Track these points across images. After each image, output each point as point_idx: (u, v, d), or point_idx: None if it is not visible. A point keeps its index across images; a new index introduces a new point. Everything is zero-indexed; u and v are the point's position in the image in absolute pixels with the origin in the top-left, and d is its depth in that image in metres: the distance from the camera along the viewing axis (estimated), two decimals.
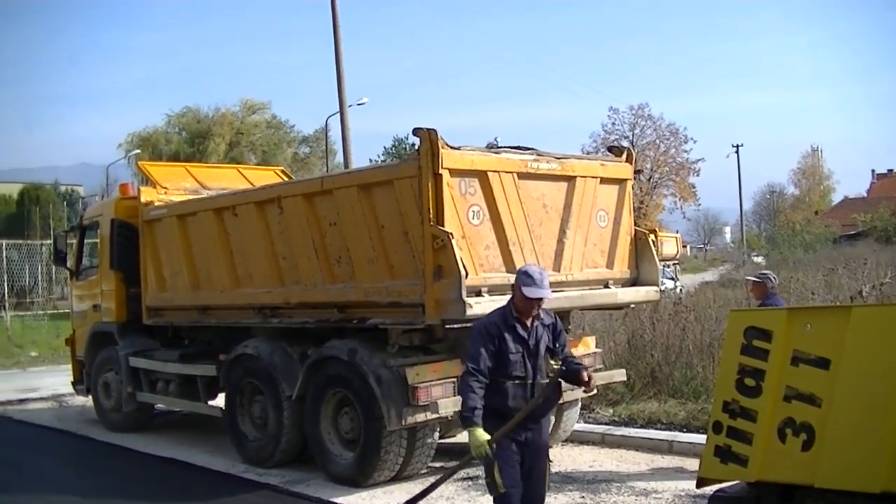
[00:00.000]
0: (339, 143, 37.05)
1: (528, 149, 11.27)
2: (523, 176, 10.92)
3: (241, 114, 65.54)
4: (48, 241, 41.81)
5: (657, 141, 68.91)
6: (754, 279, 11.87)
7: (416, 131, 10.28)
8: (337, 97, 34.86)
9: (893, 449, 6.61)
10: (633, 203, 12.73)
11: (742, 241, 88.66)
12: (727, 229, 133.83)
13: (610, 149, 12.96)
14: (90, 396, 16.83)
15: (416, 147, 10.34)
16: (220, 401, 13.84)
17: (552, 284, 11.03)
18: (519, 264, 10.64)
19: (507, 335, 7.66)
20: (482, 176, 10.51)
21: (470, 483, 11.49)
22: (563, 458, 12.60)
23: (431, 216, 10.05)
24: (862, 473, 6.71)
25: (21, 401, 20.50)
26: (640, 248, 12.21)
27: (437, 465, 11.99)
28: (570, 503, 10.54)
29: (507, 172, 10.74)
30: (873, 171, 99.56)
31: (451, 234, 9.95)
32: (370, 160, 56.40)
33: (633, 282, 12.08)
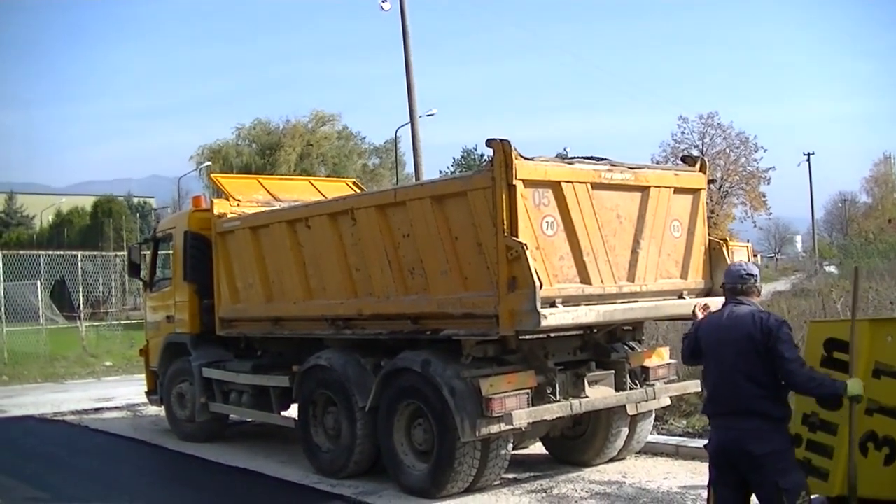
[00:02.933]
0: (409, 153, 37.16)
1: (602, 159, 11.21)
2: (597, 186, 10.85)
3: (311, 125, 66.02)
4: (121, 253, 42.38)
5: (727, 150, 68.11)
6: None
7: (489, 142, 10.25)
8: (407, 108, 34.91)
9: None
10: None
11: (814, 250, 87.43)
12: (798, 238, 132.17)
13: (683, 158, 12.85)
14: (163, 406, 16.97)
15: (490, 158, 10.29)
16: (292, 412, 13.89)
17: (626, 295, 11.07)
18: (593, 275, 10.68)
19: None
20: (556, 186, 10.45)
21: (544, 495, 11.47)
22: (637, 469, 12.57)
23: (505, 227, 10.00)
24: None
25: (96, 410, 20.85)
26: (715, 257, 12.06)
27: (510, 476, 11.97)
28: None
29: (580, 183, 10.66)
30: None
31: (526, 244, 9.88)
32: (440, 171, 56.90)
33: (708, 292, 11.91)
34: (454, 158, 68.26)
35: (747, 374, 6.83)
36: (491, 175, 10.17)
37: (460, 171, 54.90)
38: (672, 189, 11.68)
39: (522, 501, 11.21)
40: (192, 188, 72.51)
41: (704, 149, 66.49)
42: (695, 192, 12.05)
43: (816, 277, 50.08)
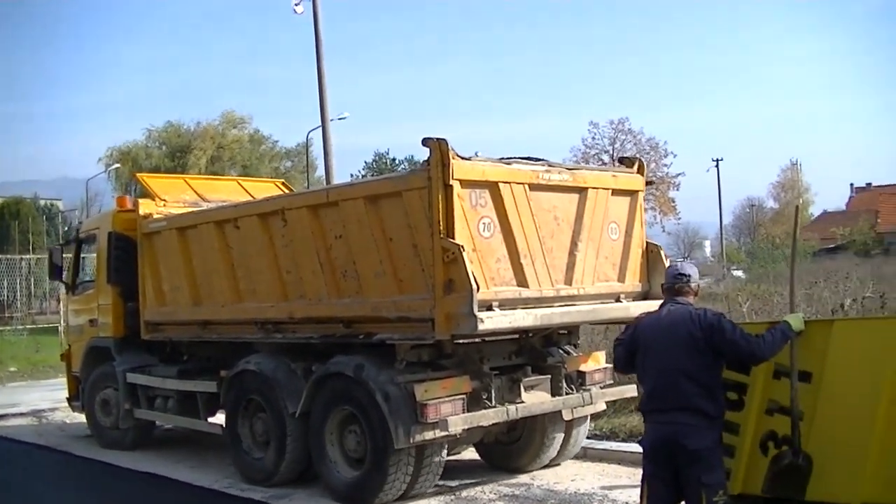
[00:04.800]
0: (321, 157, 36.44)
1: (539, 159, 10.89)
2: (535, 187, 10.52)
3: (222, 128, 65.31)
4: (27, 256, 41.47)
5: (637, 155, 68.56)
6: None
7: (425, 141, 9.86)
8: (319, 112, 34.19)
9: (875, 461, 6.67)
10: None
11: (722, 255, 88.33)
12: (707, 243, 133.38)
13: (621, 160, 12.64)
14: (85, 413, 16.32)
15: (426, 158, 9.90)
16: (220, 418, 13.44)
17: (563, 299, 10.80)
18: (530, 278, 10.39)
19: None
20: (493, 187, 10.12)
21: (452, 497, 11.34)
22: (545, 472, 12.40)
23: (442, 228, 9.65)
24: (844, 486, 6.80)
25: (0, 416, 20.03)
26: (652, 261, 11.80)
27: (443, 482, 11.65)
28: None
29: (518, 183, 10.34)
30: (852, 184, 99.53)
31: (462, 246, 9.55)
32: (351, 175, 56.07)
33: (645, 295, 11.66)
34: (366, 162, 67.69)
35: (687, 372, 6.96)
36: (427, 175, 9.81)
37: (372, 175, 54.44)
38: (610, 191, 11.40)
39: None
40: (102, 190, 71.50)
41: (615, 154, 66.81)
42: (633, 193, 11.80)
43: (724, 281, 50.62)
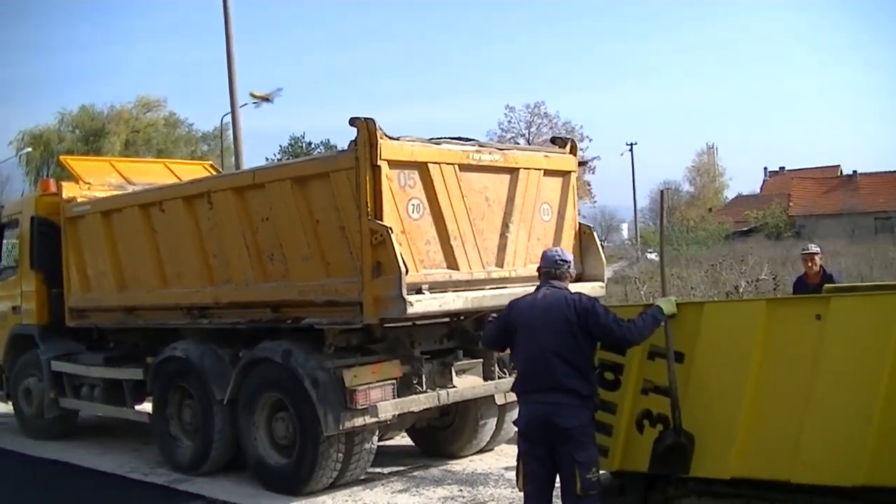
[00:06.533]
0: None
1: (470, 139, 10.26)
2: (465, 168, 9.92)
3: (136, 111, 63.58)
4: None
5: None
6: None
7: (352, 121, 9.23)
8: (228, 96, 32.68)
9: (743, 438, 6.70)
10: None
11: (636, 238, 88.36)
12: (624, 226, 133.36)
13: (553, 140, 12.00)
14: (11, 403, 15.33)
15: (354, 138, 9.23)
16: (147, 406, 12.63)
17: (495, 281, 10.09)
18: (461, 260, 9.80)
19: None
20: (422, 167, 9.52)
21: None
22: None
23: (369, 210, 9.06)
24: (715, 461, 6.82)
25: None
26: (585, 242, 11.23)
27: (377, 470, 11.06)
28: (447, 496, 10.07)
29: (448, 164, 9.74)
30: (766, 168, 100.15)
31: (391, 228, 8.99)
32: (266, 159, 54.19)
33: (578, 277, 10.98)
34: (281, 146, 65.74)
35: (560, 354, 6.94)
36: (354, 155, 9.16)
37: (287, 159, 52.85)
38: (542, 171, 10.80)
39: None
40: (13, 175, 69.15)
41: (531, 138, 66.68)
42: (565, 174, 11.20)
43: (638, 265, 50.38)
